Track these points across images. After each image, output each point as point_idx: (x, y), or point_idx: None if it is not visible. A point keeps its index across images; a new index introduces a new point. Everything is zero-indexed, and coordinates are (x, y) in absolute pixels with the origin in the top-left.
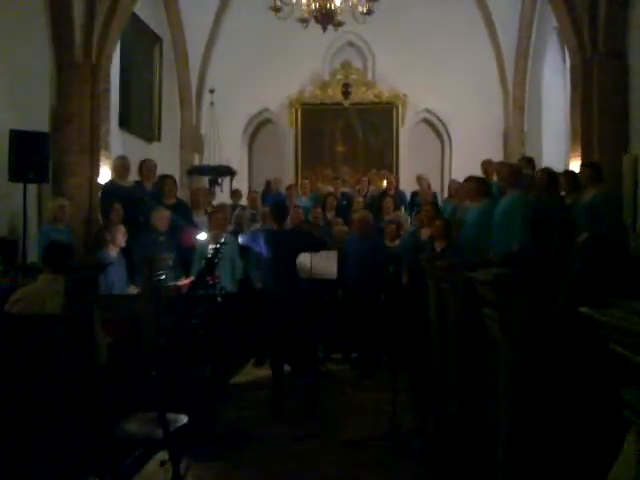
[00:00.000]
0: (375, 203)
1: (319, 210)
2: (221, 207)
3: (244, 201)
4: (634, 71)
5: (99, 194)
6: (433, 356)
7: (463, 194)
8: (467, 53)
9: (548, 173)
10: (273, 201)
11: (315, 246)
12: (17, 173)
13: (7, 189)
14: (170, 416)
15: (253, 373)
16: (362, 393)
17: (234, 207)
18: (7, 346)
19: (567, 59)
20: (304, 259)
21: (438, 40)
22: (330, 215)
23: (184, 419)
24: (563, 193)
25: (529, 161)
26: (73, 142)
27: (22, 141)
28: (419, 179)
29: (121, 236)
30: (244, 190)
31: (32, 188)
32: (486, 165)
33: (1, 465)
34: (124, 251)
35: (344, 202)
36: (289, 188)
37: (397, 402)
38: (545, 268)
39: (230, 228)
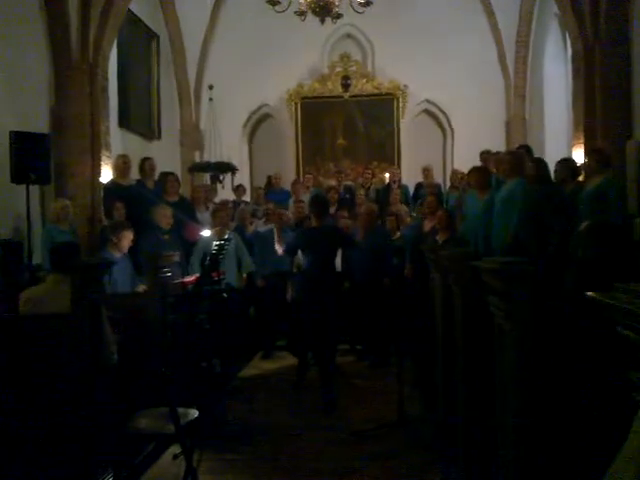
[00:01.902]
0: (380, 196)
1: None
2: (223, 203)
3: (247, 196)
4: (637, 57)
5: (101, 194)
6: (439, 345)
7: (469, 184)
8: (467, 42)
9: (538, 162)
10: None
11: (351, 247)
12: (19, 175)
13: (10, 191)
14: (181, 411)
15: (261, 366)
16: (369, 383)
17: (237, 203)
18: (17, 345)
19: (569, 46)
20: None
21: (437, 29)
22: (332, 209)
23: (195, 413)
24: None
25: (528, 149)
26: (73, 142)
27: (23, 143)
28: (425, 171)
29: (126, 242)
30: (246, 186)
31: (34, 189)
32: (485, 155)
33: (15, 462)
34: (130, 250)
35: (347, 195)
36: (294, 183)
37: (404, 391)
38: (542, 257)
39: (233, 225)
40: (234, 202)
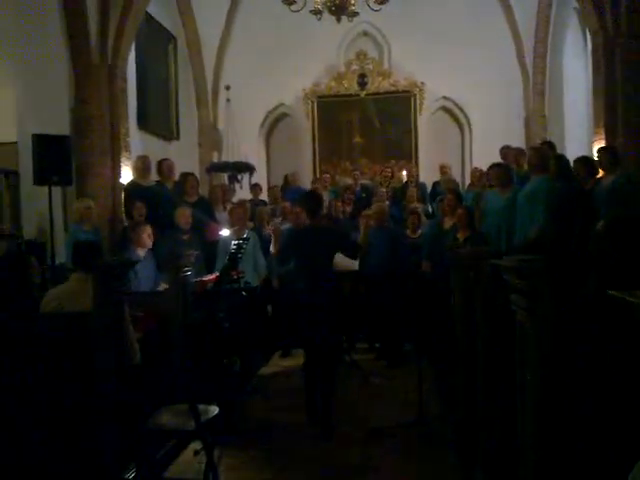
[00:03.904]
0: (397, 194)
1: (339, 203)
2: (241, 203)
3: (264, 195)
4: None
5: (122, 194)
6: (459, 343)
7: (489, 181)
8: (484, 37)
9: (558, 159)
10: (303, 193)
11: (352, 251)
12: (42, 177)
13: (33, 193)
14: (201, 408)
15: (279, 364)
16: (388, 381)
17: (254, 202)
18: (40, 344)
19: (589, 41)
20: None
21: (454, 26)
22: (348, 208)
23: (215, 410)
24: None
25: (551, 146)
26: (94, 144)
27: (45, 145)
28: (442, 168)
29: (146, 237)
30: (263, 185)
31: (56, 190)
32: (505, 151)
33: (38, 458)
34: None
35: (363, 194)
36: (314, 182)
37: (423, 390)
38: (565, 253)
39: (251, 225)
40: (251, 201)
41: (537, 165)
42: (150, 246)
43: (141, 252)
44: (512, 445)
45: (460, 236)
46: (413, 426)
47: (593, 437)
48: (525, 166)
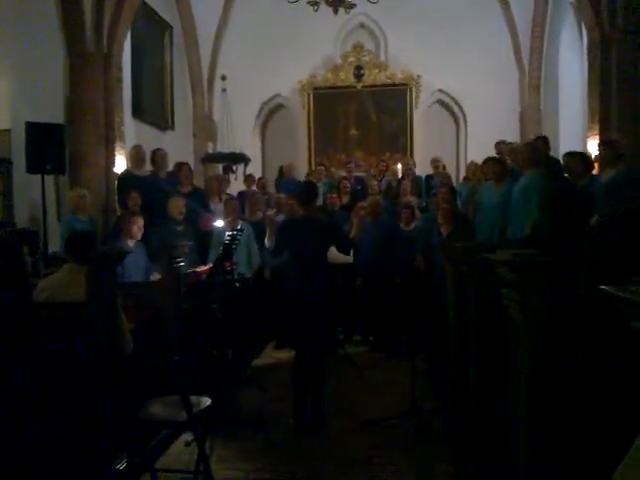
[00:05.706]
0: (392, 187)
1: (335, 195)
2: (251, 194)
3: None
4: None
5: (116, 184)
6: (452, 337)
7: (484, 175)
8: (481, 32)
9: (550, 161)
10: (298, 184)
11: (345, 246)
12: (35, 165)
13: (26, 181)
14: (194, 399)
15: (273, 355)
16: (382, 374)
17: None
18: (33, 334)
19: (584, 36)
20: None
21: (451, 19)
22: (345, 200)
23: (207, 401)
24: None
25: (545, 141)
26: (88, 133)
27: (38, 133)
28: (434, 162)
29: (136, 229)
30: (258, 176)
31: (49, 179)
32: (501, 146)
33: (29, 449)
34: (143, 240)
35: (358, 187)
36: (309, 174)
37: (416, 382)
38: (559, 248)
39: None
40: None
41: (530, 160)
42: (139, 238)
43: (131, 243)
44: (504, 437)
45: (444, 230)
46: (406, 418)
47: (586, 432)
48: None
